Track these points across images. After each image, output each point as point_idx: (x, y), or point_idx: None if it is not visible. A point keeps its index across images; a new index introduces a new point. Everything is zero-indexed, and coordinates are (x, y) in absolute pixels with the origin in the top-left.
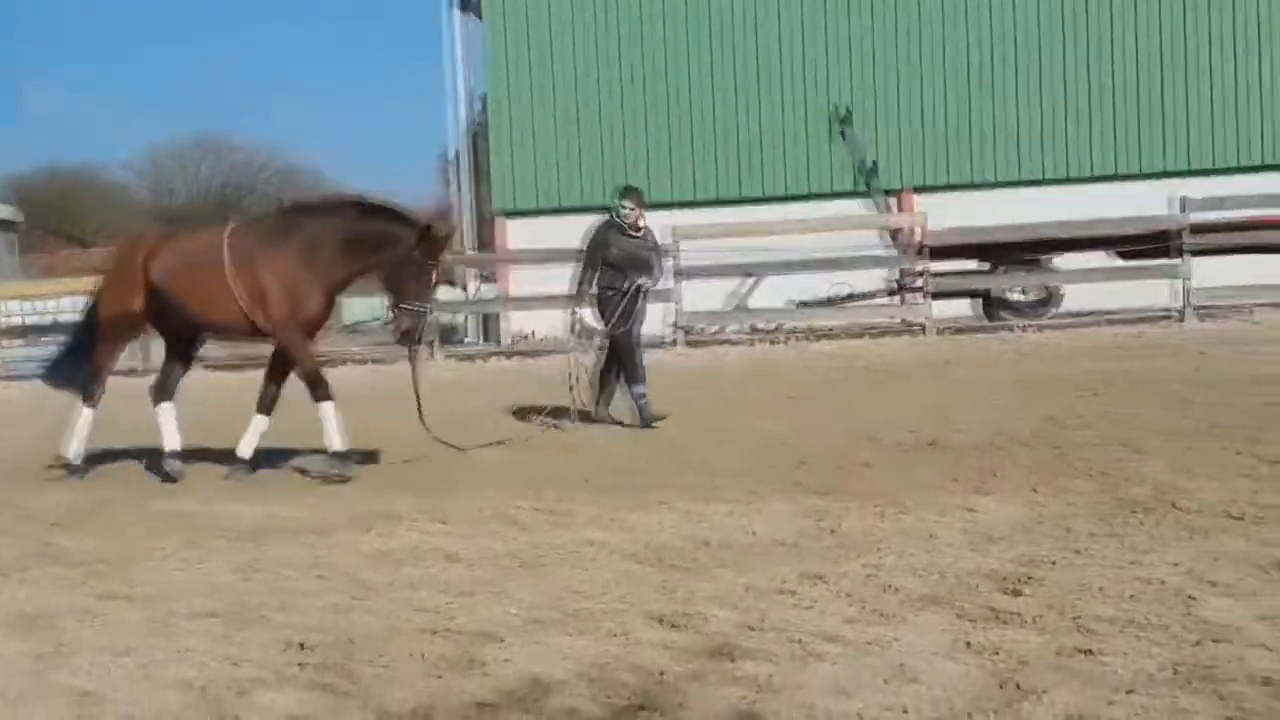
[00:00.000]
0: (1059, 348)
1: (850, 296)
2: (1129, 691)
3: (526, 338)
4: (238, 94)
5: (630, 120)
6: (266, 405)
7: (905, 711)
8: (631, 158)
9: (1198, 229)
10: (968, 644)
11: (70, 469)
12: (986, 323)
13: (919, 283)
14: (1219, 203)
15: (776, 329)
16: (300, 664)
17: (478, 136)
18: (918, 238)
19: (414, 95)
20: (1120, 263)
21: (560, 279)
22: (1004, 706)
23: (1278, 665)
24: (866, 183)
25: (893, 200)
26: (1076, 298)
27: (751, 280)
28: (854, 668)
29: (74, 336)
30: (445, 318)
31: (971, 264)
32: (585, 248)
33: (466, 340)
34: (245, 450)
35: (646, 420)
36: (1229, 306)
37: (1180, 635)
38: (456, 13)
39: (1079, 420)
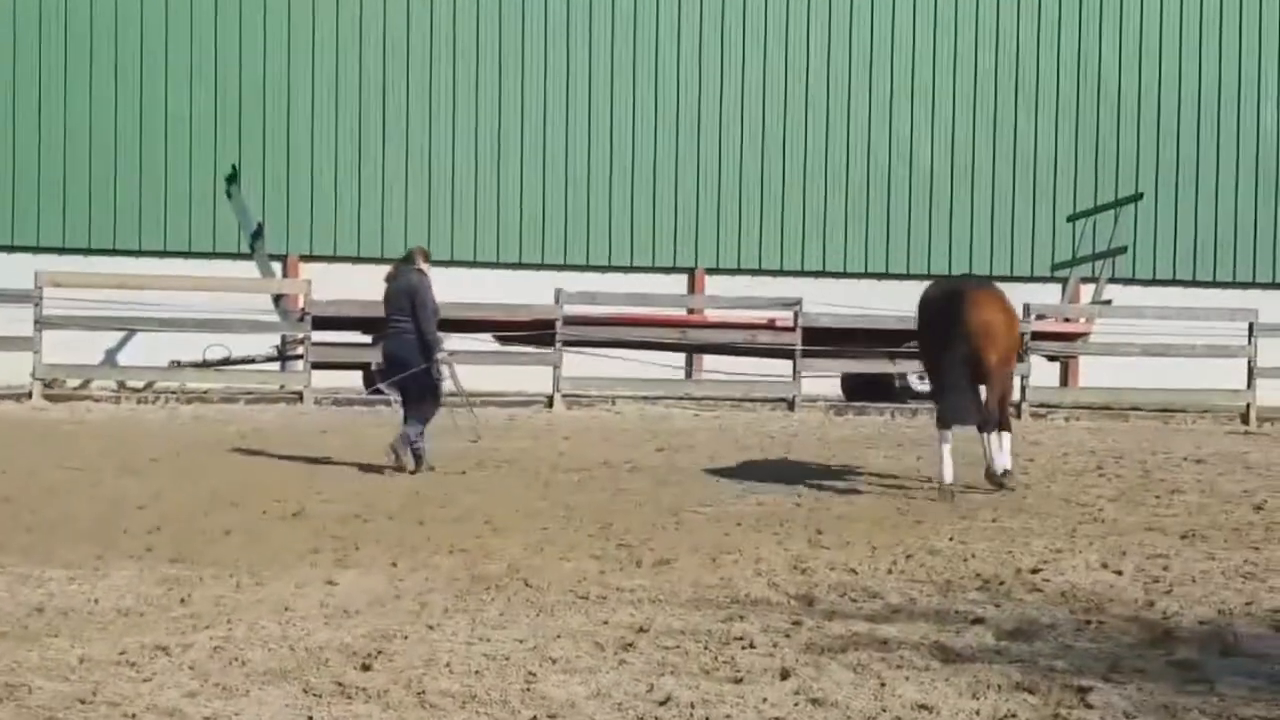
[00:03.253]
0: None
1: (228, 360)
2: None
3: None
4: None
5: (3, 155)
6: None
7: None
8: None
9: (571, 320)
10: (310, 719)
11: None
12: (366, 394)
13: (299, 350)
14: (590, 297)
15: (148, 387)
16: None
17: None
18: (300, 305)
19: None
20: (501, 348)
21: None
22: None
23: None
24: (251, 245)
25: (279, 266)
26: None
27: (123, 335)
28: None
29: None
30: None
31: (356, 335)
32: (429, 298)
33: None
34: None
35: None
36: (594, 396)
37: (518, 710)
38: None
39: (446, 496)
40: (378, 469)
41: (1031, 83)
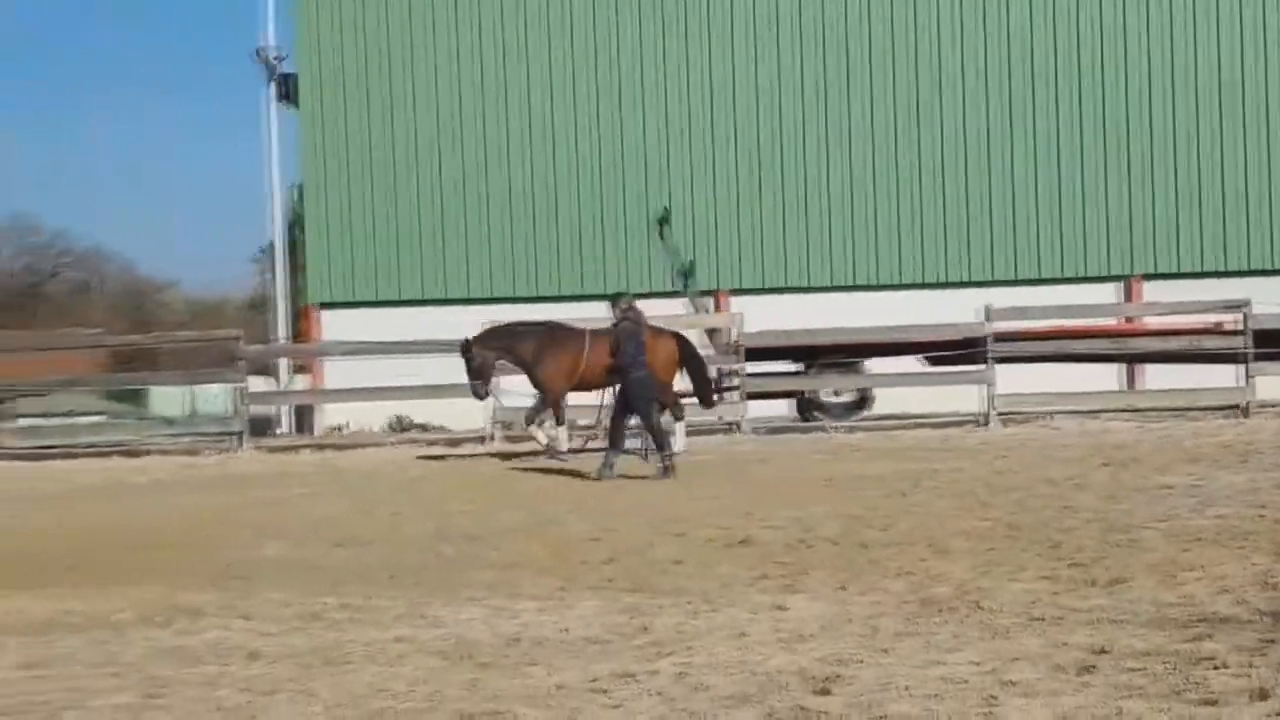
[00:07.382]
0: (868, 448)
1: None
2: None
3: (340, 430)
4: (60, 181)
5: (449, 214)
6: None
7: None
8: (449, 252)
9: (1002, 337)
10: None
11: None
12: (800, 423)
13: (734, 382)
14: (1021, 312)
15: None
16: None
17: (295, 227)
18: (733, 338)
19: (239, 185)
20: (929, 368)
21: (375, 371)
22: None
23: None
24: (684, 282)
25: (709, 300)
26: (888, 401)
27: None
28: None
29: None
30: (259, 409)
31: (786, 365)
32: None
33: (279, 432)
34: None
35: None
36: (1030, 412)
37: None
38: (273, 102)
39: (886, 520)
40: (819, 493)
41: None
